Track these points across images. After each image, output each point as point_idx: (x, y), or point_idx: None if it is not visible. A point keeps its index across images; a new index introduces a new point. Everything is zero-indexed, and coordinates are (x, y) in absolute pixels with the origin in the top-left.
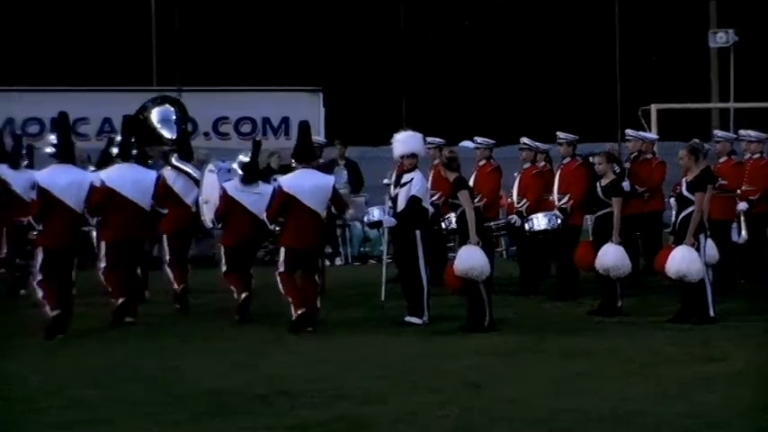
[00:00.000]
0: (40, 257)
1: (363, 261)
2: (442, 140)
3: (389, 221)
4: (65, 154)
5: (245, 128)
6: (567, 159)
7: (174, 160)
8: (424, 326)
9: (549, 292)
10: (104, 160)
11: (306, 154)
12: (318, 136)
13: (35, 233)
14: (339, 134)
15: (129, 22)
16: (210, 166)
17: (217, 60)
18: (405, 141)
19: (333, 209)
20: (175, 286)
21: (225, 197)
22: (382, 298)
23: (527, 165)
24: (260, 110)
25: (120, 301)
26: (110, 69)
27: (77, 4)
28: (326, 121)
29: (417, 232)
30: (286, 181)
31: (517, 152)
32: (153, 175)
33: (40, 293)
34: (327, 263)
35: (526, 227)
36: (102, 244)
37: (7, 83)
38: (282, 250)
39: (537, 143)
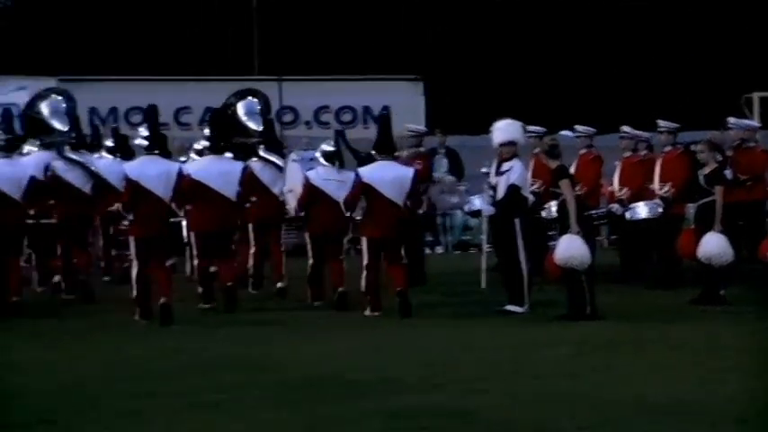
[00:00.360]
0: (133, 247)
1: (464, 249)
2: (542, 129)
3: (489, 210)
4: (154, 145)
5: (346, 117)
6: (668, 148)
7: (260, 151)
8: (524, 315)
9: (651, 281)
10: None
11: (386, 146)
12: (419, 125)
13: (126, 223)
14: (440, 123)
15: (231, 12)
16: (294, 156)
17: (318, 49)
18: (503, 129)
19: (408, 202)
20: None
21: (307, 186)
22: (483, 286)
23: (628, 153)
24: (360, 99)
25: (229, 284)
26: (211, 59)
27: None
28: (427, 109)
29: (516, 221)
30: (366, 172)
31: (618, 141)
32: (239, 166)
33: (135, 283)
34: (428, 251)
35: (627, 215)
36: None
37: (110, 72)
38: (364, 241)
39: (638, 131)
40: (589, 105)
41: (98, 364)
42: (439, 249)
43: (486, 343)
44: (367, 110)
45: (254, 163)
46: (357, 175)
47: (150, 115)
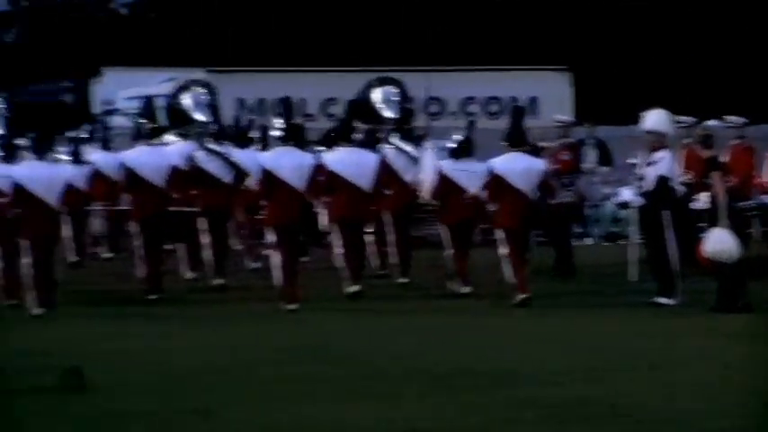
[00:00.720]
0: (270, 236)
1: (613, 241)
2: (692, 119)
3: (638, 201)
4: (289, 136)
5: (493, 108)
6: None
7: (396, 140)
8: (675, 306)
9: None
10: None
11: (517, 138)
12: (566, 116)
13: (263, 213)
14: (587, 114)
15: (378, 3)
16: (428, 145)
17: (464, 39)
18: (651, 118)
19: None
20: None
21: (440, 175)
22: (634, 278)
23: None
24: (507, 89)
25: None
26: (358, 50)
27: None
28: (575, 100)
29: (665, 212)
30: (497, 163)
31: None
32: (374, 157)
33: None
34: (576, 242)
35: None
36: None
37: (258, 63)
38: (498, 232)
39: None
40: (739, 95)
41: (252, 349)
42: (587, 241)
43: (632, 333)
44: (514, 101)
45: (389, 151)
46: (490, 166)
47: (285, 107)
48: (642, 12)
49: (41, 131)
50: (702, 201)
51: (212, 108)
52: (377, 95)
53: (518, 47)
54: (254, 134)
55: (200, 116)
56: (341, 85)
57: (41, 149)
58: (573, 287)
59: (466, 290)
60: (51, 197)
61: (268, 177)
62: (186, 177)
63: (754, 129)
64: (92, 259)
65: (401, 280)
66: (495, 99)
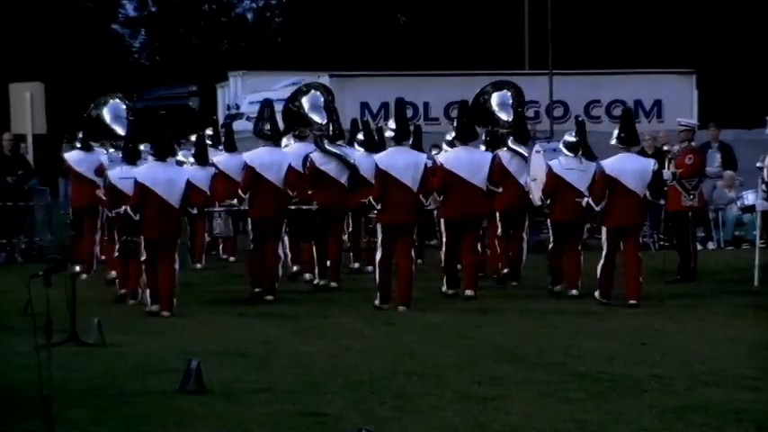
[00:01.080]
0: (379, 234)
1: (736, 245)
2: None
3: (763, 205)
4: (402, 137)
5: (617, 111)
6: None
7: (510, 142)
8: None
9: None
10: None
11: (629, 138)
12: (691, 118)
13: (375, 212)
14: (713, 117)
15: (502, 7)
16: (537, 147)
17: (589, 43)
18: None
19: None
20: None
21: (550, 174)
22: (755, 283)
23: None
24: (632, 92)
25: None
26: (482, 54)
27: None
28: (700, 103)
29: None
30: (608, 164)
31: None
32: (488, 156)
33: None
34: (699, 247)
35: None
36: (442, 221)
37: (380, 67)
38: (605, 230)
39: None
40: None
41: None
42: (711, 245)
43: (758, 340)
44: (638, 103)
45: (503, 153)
46: (600, 167)
47: (398, 109)
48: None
49: (165, 134)
50: None
51: (329, 110)
52: (493, 98)
53: (643, 49)
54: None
55: (316, 118)
56: (464, 89)
57: (163, 152)
58: (694, 292)
59: (573, 292)
60: (173, 198)
61: (382, 177)
62: (303, 177)
63: None
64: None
65: (514, 283)
66: (619, 102)
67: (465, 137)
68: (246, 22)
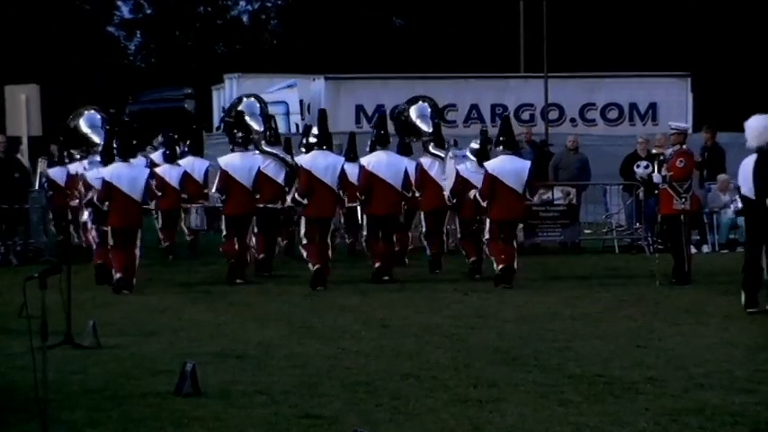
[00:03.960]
0: (303, 226)
1: (731, 249)
2: None
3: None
4: (323, 142)
5: (612, 114)
6: None
7: (431, 148)
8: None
9: None
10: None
11: (509, 143)
12: (685, 122)
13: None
14: (708, 120)
15: (497, 10)
16: (450, 154)
17: (584, 46)
18: (759, 135)
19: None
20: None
21: (458, 177)
22: None
23: None
24: (627, 95)
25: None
26: (477, 57)
27: None
28: (695, 106)
29: None
30: (491, 165)
31: None
32: (404, 160)
33: (304, 253)
34: (694, 250)
35: None
36: (365, 217)
37: (375, 70)
38: (489, 221)
39: None
40: None
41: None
42: (705, 248)
43: (753, 343)
44: (633, 106)
45: (425, 159)
46: (485, 167)
47: (321, 118)
48: (762, 17)
49: (131, 137)
50: None
51: (265, 117)
52: (412, 111)
53: (638, 52)
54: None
55: (254, 125)
56: (459, 92)
57: (126, 153)
58: (688, 295)
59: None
60: (135, 193)
61: (307, 176)
62: (271, 180)
63: None
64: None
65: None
66: (614, 105)
67: (383, 144)
68: (242, 25)
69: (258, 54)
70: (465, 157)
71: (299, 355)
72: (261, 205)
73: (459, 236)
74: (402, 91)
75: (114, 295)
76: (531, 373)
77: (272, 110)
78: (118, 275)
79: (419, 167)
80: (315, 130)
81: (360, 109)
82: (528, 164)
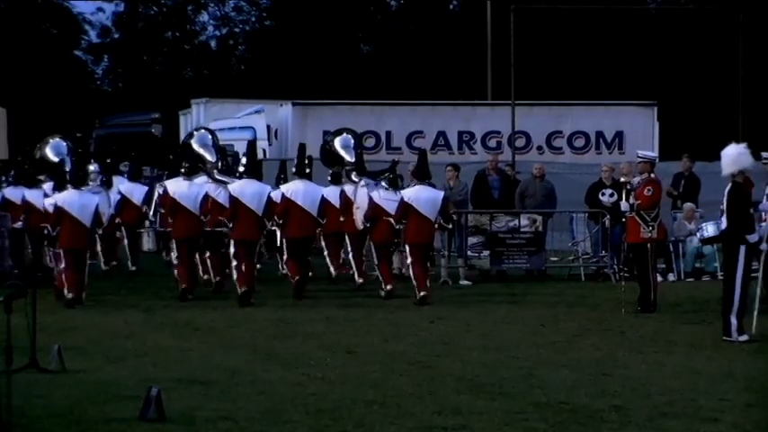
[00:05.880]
0: (232, 248)
1: (697, 277)
2: None
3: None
4: (250, 171)
5: (578, 142)
6: None
7: (353, 176)
8: (749, 342)
9: None
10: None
11: (422, 174)
12: (651, 150)
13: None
14: (675, 149)
15: (466, 38)
16: (362, 182)
17: (551, 74)
18: (733, 162)
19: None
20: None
21: (371, 203)
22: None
23: None
24: (593, 124)
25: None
26: (445, 84)
27: (417, 22)
28: (661, 135)
29: (742, 247)
30: (407, 193)
31: None
32: (320, 189)
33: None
34: (660, 278)
35: None
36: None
37: (343, 96)
38: (407, 246)
39: None
40: None
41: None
42: (671, 277)
43: (718, 372)
44: (600, 135)
45: (347, 186)
46: (401, 195)
47: (249, 149)
48: (727, 47)
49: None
50: None
51: (216, 148)
52: (336, 142)
53: (604, 81)
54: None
55: (207, 155)
56: (426, 119)
57: (78, 181)
58: (654, 324)
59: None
60: (84, 219)
61: (234, 202)
62: (215, 205)
63: None
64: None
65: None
66: (581, 134)
67: (301, 173)
68: (210, 50)
69: (226, 79)
70: (378, 184)
71: (263, 382)
72: (209, 229)
73: (375, 260)
74: (369, 117)
75: (80, 319)
76: (496, 401)
77: (239, 135)
78: (70, 295)
79: (343, 194)
80: (243, 159)
81: (327, 135)
82: (441, 194)
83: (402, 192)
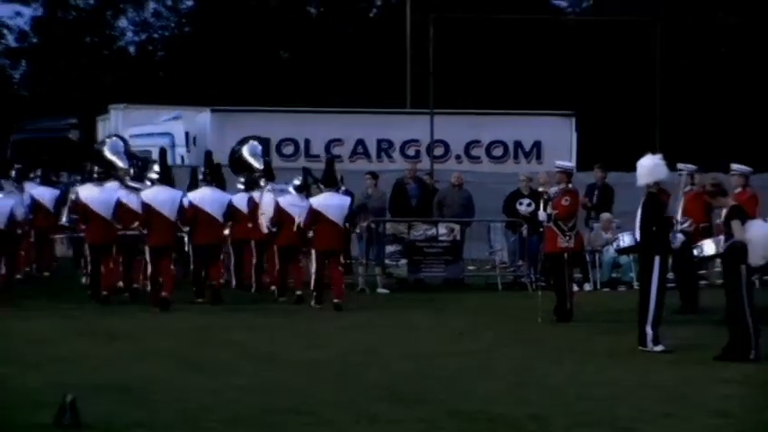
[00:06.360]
0: (148, 254)
1: (613, 287)
2: (693, 167)
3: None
4: (163, 179)
5: (497, 151)
6: None
7: (262, 183)
8: (666, 353)
9: None
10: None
11: (330, 182)
12: (569, 160)
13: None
14: (593, 159)
15: (385, 46)
16: (268, 188)
17: (469, 84)
18: (648, 173)
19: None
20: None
21: (278, 208)
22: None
23: None
24: (512, 133)
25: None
26: (364, 92)
27: (337, 30)
28: (579, 145)
29: (657, 257)
30: (316, 200)
31: None
32: (227, 196)
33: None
34: (576, 288)
35: None
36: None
37: (263, 103)
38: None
39: None
40: (745, 143)
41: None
42: (587, 286)
43: (634, 381)
44: (518, 144)
45: (256, 193)
46: (309, 202)
47: (161, 156)
48: (645, 59)
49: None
50: (703, 248)
51: (128, 155)
52: (245, 150)
53: (523, 91)
54: None
55: (119, 162)
56: (345, 126)
57: None
58: (571, 333)
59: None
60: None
61: (147, 209)
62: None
63: (758, 177)
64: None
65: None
66: (499, 143)
67: (209, 180)
68: (129, 56)
69: (144, 85)
70: (284, 191)
71: (182, 389)
72: (121, 233)
73: (277, 264)
74: (288, 124)
75: None
76: (414, 409)
77: (157, 141)
78: None
79: (251, 201)
80: (156, 167)
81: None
82: (348, 200)
83: (311, 199)
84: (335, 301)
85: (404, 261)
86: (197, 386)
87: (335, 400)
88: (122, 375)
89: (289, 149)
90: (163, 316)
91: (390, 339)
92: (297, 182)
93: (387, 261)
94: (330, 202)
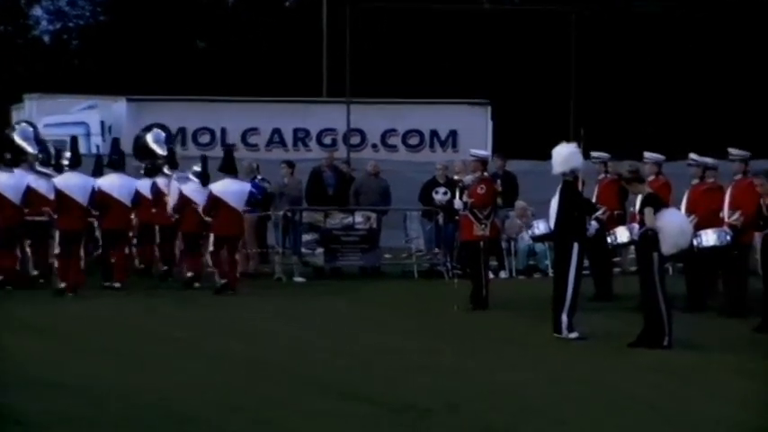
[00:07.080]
0: (57, 237)
1: (529, 275)
2: (607, 155)
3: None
4: (74, 164)
5: (413, 140)
6: (739, 176)
7: (165, 170)
8: (582, 340)
9: (721, 309)
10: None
11: (229, 168)
12: (485, 149)
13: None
14: (508, 147)
15: (301, 35)
16: (174, 176)
17: (386, 73)
18: (564, 161)
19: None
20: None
21: (181, 196)
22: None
23: (696, 181)
24: (428, 122)
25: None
26: (280, 81)
27: (253, 19)
28: (495, 134)
29: (575, 245)
30: (216, 187)
31: (685, 168)
32: (134, 181)
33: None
34: (492, 276)
35: (694, 243)
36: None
37: (179, 92)
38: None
39: (705, 159)
40: (658, 132)
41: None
42: (503, 274)
43: (552, 369)
44: (434, 133)
45: (159, 179)
46: (209, 188)
47: (72, 143)
48: (561, 47)
49: None
50: (617, 235)
51: (37, 140)
52: (149, 137)
53: (439, 80)
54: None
55: (29, 148)
56: (262, 115)
57: None
58: (486, 320)
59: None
60: None
61: (58, 194)
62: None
63: (670, 165)
64: None
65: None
66: (415, 132)
67: (117, 166)
68: (43, 45)
69: (59, 74)
70: (187, 178)
71: (122, 387)
72: (29, 218)
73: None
74: (204, 113)
75: None
76: (362, 406)
77: (72, 131)
78: None
79: (155, 186)
80: (67, 153)
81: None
82: (248, 186)
83: (210, 186)
84: (223, 282)
85: (320, 250)
86: (139, 384)
87: (281, 396)
88: (61, 372)
89: (205, 138)
90: (83, 306)
91: (318, 332)
92: (197, 168)
93: (303, 250)
94: (230, 188)
